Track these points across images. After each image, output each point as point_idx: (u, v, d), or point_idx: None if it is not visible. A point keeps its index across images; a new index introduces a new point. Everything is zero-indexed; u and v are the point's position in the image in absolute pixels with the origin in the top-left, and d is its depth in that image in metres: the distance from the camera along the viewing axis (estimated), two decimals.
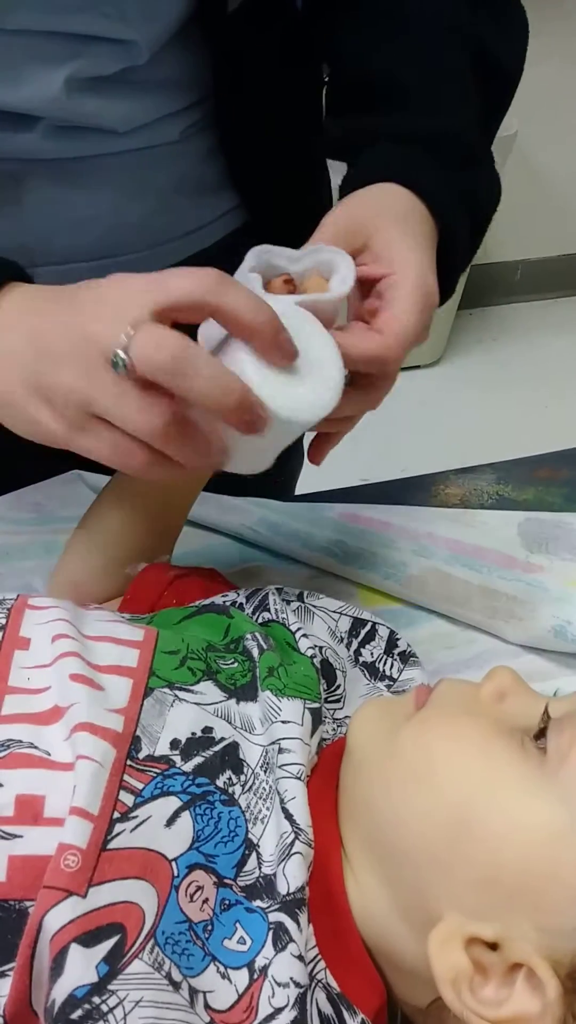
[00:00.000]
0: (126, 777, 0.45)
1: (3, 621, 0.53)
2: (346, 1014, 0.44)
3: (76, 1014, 0.38)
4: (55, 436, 0.50)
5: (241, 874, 0.45)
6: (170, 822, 0.45)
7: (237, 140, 0.74)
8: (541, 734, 0.47)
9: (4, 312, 0.51)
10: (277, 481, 1.01)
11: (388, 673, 0.62)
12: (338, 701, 0.59)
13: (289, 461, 1.04)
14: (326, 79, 0.75)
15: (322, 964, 0.44)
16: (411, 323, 0.55)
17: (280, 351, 0.48)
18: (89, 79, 0.64)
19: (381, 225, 0.58)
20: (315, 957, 0.44)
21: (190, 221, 0.78)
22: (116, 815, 0.44)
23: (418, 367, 2.53)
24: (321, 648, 0.58)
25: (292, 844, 0.46)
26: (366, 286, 0.57)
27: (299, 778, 0.48)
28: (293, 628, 0.59)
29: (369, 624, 0.63)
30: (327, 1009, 0.43)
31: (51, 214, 0.71)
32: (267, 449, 0.52)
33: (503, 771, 0.46)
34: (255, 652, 0.55)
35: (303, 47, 0.73)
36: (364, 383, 0.56)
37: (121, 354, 0.45)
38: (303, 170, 0.80)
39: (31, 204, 0.70)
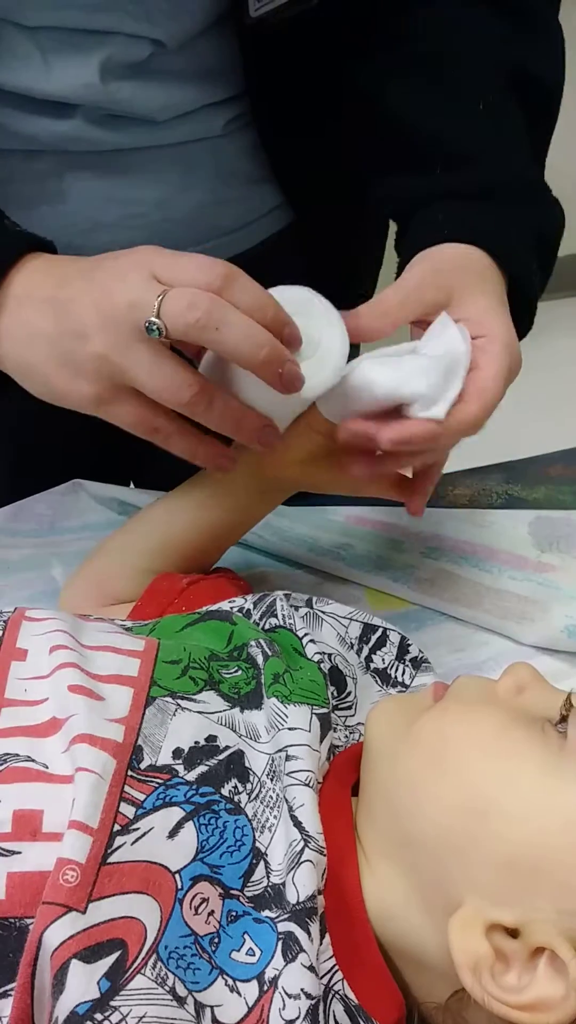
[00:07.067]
0: (127, 788, 0.44)
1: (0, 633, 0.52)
2: None
3: None
4: (84, 405, 0.54)
5: (249, 884, 0.44)
6: (173, 833, 0.44)
7: (277, 136, 0.74)
8: (562, 720, 0.47)
9: (24, 284, 0.53)
10: None
11: (400, 679, 0.61)
12: (350, 708, 0.57)
13: None
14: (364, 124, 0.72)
15: (339, 975, 0.43)
16: (498, 391, 0.55)
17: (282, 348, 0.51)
18: (123, 66, 0.64)
19: (464, 284, 0.58)
20: (332, 968, 0.43)
21: (235, 217, 0.78)
22: (116, 828, 0.43)
23: None
24: (330, 655, 0.57)
25: (302, 852, 0.44)
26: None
27: (308, 785, 0.47)
28: (300, 634, 0.58)
29: (380, 630, 0.62)
30: (344, 1021, 0.42)
31: (95, 209, 0.70)
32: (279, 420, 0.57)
33: (522, 753, 0.46)
34: (259, 659, 0.54)
35: (336, 55, 0.71)
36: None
37: (155, 320, 0.49)
38: (345, 171, 0.78)
39: (74, 199, 0.69)
